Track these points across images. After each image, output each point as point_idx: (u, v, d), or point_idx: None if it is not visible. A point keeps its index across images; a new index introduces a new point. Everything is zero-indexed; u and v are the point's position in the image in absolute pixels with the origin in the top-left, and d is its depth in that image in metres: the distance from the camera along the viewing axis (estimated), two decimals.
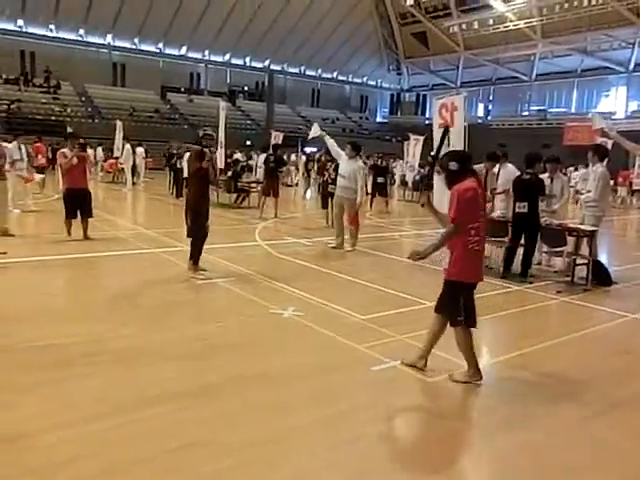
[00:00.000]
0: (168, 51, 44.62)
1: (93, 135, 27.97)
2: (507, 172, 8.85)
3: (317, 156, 21.43)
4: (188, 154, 16.67)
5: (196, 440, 3.14)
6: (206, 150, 7.17)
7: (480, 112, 50.27)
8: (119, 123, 22.10)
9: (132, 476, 2.80)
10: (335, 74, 53.12)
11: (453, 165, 4.05)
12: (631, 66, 40.44)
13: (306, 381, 4.06)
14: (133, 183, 20.20)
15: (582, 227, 7.72)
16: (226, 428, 3.32)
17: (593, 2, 36.42)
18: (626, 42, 39.61)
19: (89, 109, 38.28)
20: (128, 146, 19.91)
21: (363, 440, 3.26)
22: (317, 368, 4.30)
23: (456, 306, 4.04)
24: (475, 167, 8.95)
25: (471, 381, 4.09)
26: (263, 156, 15.43)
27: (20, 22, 38.15)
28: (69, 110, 36.50)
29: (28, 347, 4.41)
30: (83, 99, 39.35)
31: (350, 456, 3.10)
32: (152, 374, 4.04)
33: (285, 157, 26.80)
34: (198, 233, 7.10)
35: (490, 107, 50.28)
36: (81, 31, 40.67)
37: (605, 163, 8.22)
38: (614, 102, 41.97)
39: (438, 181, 8.67)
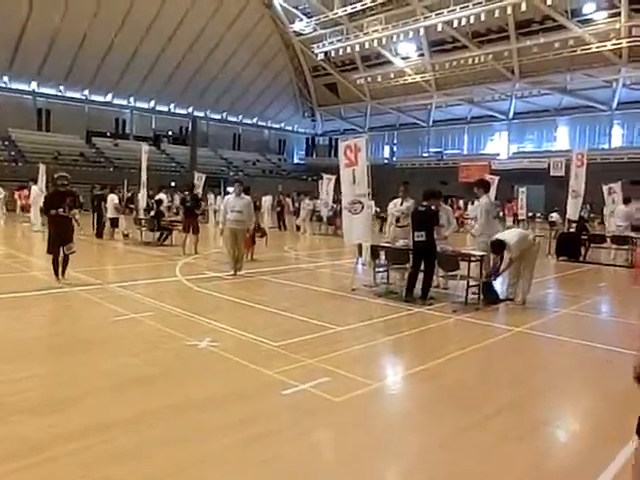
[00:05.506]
0: (94, 97, 43.23)
1: (16, 178, 26.75)
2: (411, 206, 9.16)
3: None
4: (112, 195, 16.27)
5: (109, 476, 2.89)
6: (64, 190, 8.35)
7: (386, 154, 52.28)
8: (42, 166, 20.95)
9: None
10: (255, 120, 53.51)
11: None
12: (510, 115, 43.74)
13: (220, 408, 3.88)
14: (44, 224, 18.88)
15: (473, 253, 8.07)
16: (142, 461, 3.09)
17: (476, 61, 39.22)
18: (505, 94, 42.92)
19: (12, 153, 36.18)
20: (35, 187, 18.67)
21: (278, 461, 3.15)
22: (230, 395, 4.13)
23: None
24: (395, 201, 9.33)
25: None
26: (178, 196, 15.16)
27: None
28: None
29: None
30: (6, 143, 37.18)
31: (266, 477, 2.97)
32: (62, 413, 3.70)
33: (213, 197, 26.47)
34: (55, 252, 8.20)
35: (395, 149, 52.42)
36: (5, 78, 38.72)
37: (490, 194, 8.71)
38: (498, 145, 45.01)
39: (347, 216, 8.92)
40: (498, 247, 7.64)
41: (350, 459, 3.26)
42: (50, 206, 8.26)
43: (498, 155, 42.89)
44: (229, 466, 3.11)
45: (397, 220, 9.43)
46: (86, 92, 42.60)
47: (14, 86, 39.43)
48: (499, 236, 7.80)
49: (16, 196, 23.78)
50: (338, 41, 41.55)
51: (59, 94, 41.61)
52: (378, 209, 17.21)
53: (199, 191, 21.83)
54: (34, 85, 40.33)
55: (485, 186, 8.63)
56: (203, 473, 3.04)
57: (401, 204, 9.39)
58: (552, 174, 19.85)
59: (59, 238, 8.22)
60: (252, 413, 3.82)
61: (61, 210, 8.14)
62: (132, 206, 17.82)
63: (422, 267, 7.86)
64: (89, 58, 39.40)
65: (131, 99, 45.19)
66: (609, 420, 3.93)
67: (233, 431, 3.52)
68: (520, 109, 43.22)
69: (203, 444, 3.32)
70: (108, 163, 39.60)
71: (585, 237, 14.11)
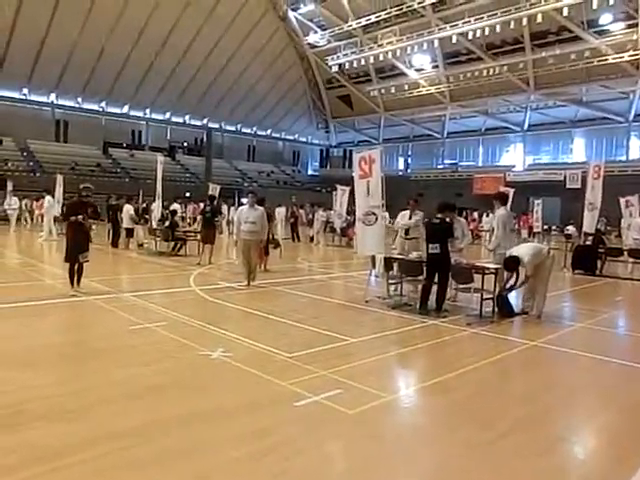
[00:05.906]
0: (110, 109, 43.97)
1: (34, 188, 27.22)
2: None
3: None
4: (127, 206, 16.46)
5: None
6: (86, 200, 8.54)
7: (401, 165, 52.30)
8: (59, 177, 21.31)
9: None
10: (269, 131, 53.96)
11: None
12: (525, 126, 43.58)
13: (232, 419, 3.89)
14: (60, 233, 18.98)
15: (487, 265, 8.02)
16: (151, 470, 3.10)
17: (491, 72, 39.22)
18: (520, 106, 42.83)
19: (30, 163, 36.85)
20: (49, 198, 19.06)
21: (288, 475, 3.14)
22: (242, 406, 4.14)
23: None
24: (403, 213, 9.36)
25: None
26: (191, 207, 15.31)
27: None
28: (10, 164, 34.96)
29: None
30: (25, 154, 37.90)
31: None
32: (74, 422, 3.74)
33: (226, 208, 26.63)
34: (72, 260, 8.35)
35: (409, 161, 52.42)
36: (25, 90, 39.59)
37: (507, 206, 8.70)
38: (514, 157, 44.82)
39: (360, 228, 8.94)
40: (512, 263, 7.57)
41: (362, 472, 3.24)
42: (70, 213, 8.45)
43: (513, 167, 42.71)
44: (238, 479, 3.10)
45: (406, 232, 9.45)
46: (103, 104, 43.36)
47: (33, 98, 40.27)
48: (513, 252, 7.73)
49: (34, 206, 24.34)
50: (352, 53, 41.85)
51: (77, 106, 42.42)
52: (392, 220, 17.24)
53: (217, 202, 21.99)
54: (53, 97, 41.15)
55: (502, 198, 8.62)
56: None
57: (410, 217, 9.40)
58: (568, 186, 19.67)
59: (77, 247, 8.36)
60: (264, 424, 3.82)
61: (80, 217, 8.28)
62: (147, 216, 18.03)
63: (436, 279, 7.85)
64: (106, 71, 40.16)
65: (147, 111, 45.85)
66: (626, 436, 3.87)
67: (243, 443, 3.51)
68: (535, 121, 43.07)
69: (212, 456, 3.31)
70: (124, 173, 40.15)
71: (602, 250, 13.94)
